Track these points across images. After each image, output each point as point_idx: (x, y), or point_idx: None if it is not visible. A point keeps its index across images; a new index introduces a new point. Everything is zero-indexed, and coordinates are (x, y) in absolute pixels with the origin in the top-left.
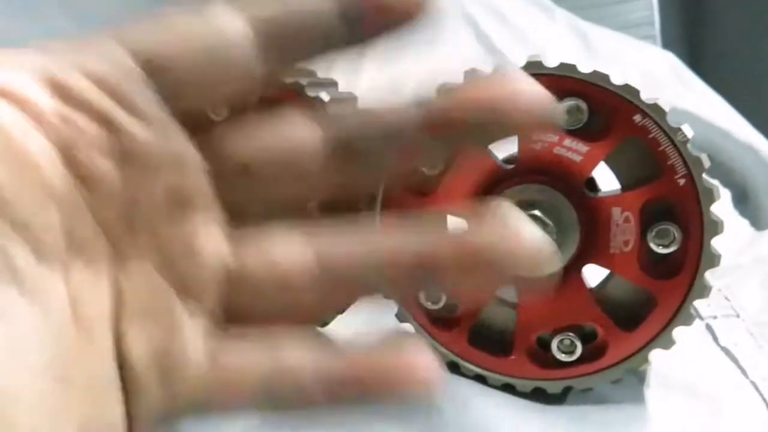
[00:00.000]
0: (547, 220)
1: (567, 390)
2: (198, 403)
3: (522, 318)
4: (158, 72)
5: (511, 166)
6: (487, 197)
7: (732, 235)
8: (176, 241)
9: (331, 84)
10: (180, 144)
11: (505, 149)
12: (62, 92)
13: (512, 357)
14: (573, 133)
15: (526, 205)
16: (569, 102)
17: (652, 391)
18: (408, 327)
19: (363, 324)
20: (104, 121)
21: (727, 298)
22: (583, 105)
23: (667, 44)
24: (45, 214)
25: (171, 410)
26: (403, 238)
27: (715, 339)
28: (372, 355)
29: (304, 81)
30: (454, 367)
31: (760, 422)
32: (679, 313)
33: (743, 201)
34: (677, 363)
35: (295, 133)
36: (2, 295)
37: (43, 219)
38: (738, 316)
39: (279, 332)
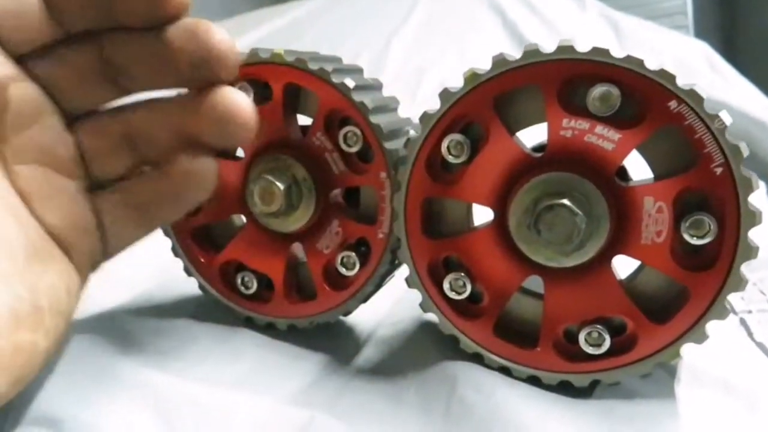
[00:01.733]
0: (576, 210)
1: (594, 384)
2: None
3: (549, 309)
4: None
5: (539, 155)
6: (514, 186)
7: (766, 227)
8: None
9: (357, 70)
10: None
11: (533, 137)
12: None
13: (538, 349)
14: (605, 120)
15: (554, 195)
16: (601, 88)
17: (682, 386)
18: (432, 317)
19: (386, 314)
20: None
21: (762, 292)
22: (616, 91)
23: (700, 34)
24: None
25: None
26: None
27: (750, 334)
28: None
29: (329, 67)
30: (478, 358)
31: None
32: (713, 306)
33: None
34: (709, 358)
35: None
36: None
37: None
38: None
39: None
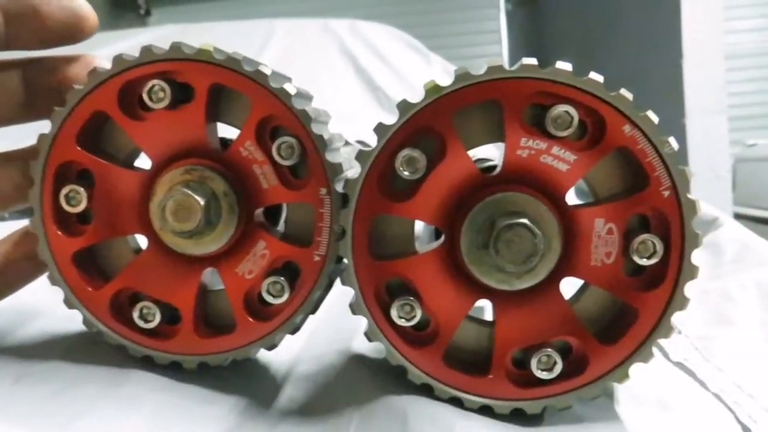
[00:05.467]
0: (536, 230)
1: (544, 410)
2: None
3: (500, 334)
4: None
5: (493, 174)
6: (465, 206)
7: None
8: None
9: (288, 78)
10: None
11: (486, 158)
12: None
13: (489, 376)
14: (562, 140)
15: (511, 214)
16: (561, 108)
17: (623, 407)
18: (378, 346)
19: (302, 348)
20: None
21: None
22: (574, 112)
23: None
24: None
25: None
26: None
27: (665, 355)
28: None
29: (267, 70)
30: (427, 390)
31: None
32: (660, 324)
33: None
34: (639, 379)
35: None
36: None
37: None
38: (680, 332)
39: None
